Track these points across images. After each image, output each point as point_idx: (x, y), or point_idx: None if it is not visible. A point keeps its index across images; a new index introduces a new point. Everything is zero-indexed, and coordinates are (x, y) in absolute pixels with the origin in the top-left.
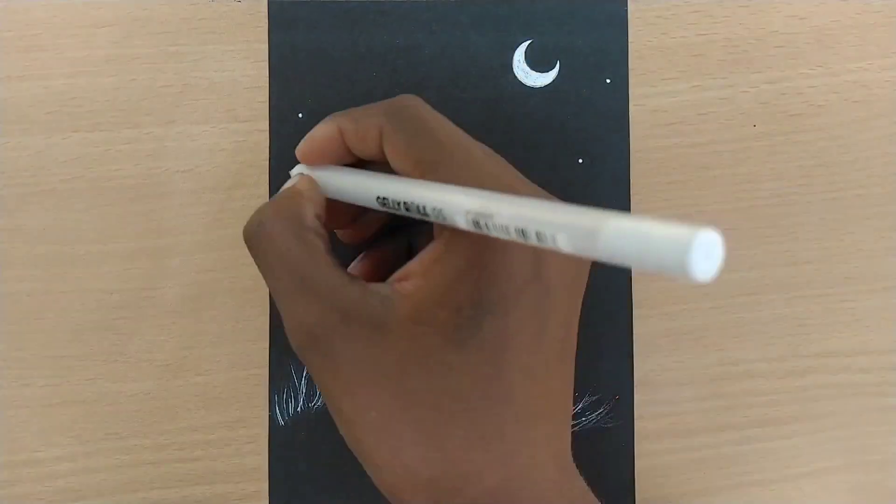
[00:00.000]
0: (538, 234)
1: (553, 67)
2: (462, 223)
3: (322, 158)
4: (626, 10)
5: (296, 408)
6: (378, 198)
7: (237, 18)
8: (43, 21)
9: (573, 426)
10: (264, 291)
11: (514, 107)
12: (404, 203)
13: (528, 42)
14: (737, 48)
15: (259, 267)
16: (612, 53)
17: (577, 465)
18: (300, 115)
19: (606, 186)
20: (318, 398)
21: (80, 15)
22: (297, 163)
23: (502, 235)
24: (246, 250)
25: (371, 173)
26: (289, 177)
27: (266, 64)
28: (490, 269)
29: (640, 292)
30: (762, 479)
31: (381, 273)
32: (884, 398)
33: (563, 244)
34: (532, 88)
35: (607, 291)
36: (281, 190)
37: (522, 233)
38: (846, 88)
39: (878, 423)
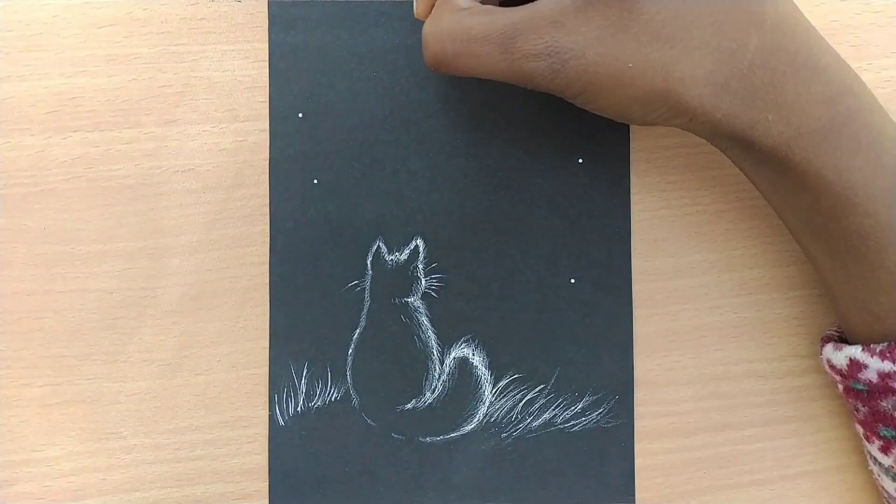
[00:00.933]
0: None
1: None
2: None
3: None
4: None
5: (296, 407)
6: None
7: (237, 18)
8: (43, 21)
9: (573, 426)
10: (264, 291)
11: (513, 106)
12: None
13: None
14: None
15: (463, 66)
16: None
17: (577, 465)
18: (300, 115)
19: (606, 186)
20: (318, 398)
21: (81, 15)
22: (296, 163)
23: None
24: (246, 249)
25: None
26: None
27: (266, 64)
28: None
29: (640, 292)
30: (761, 479)
31: None
32: None
33: None
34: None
35: (608, 291)
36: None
37: None
38: None
39: None
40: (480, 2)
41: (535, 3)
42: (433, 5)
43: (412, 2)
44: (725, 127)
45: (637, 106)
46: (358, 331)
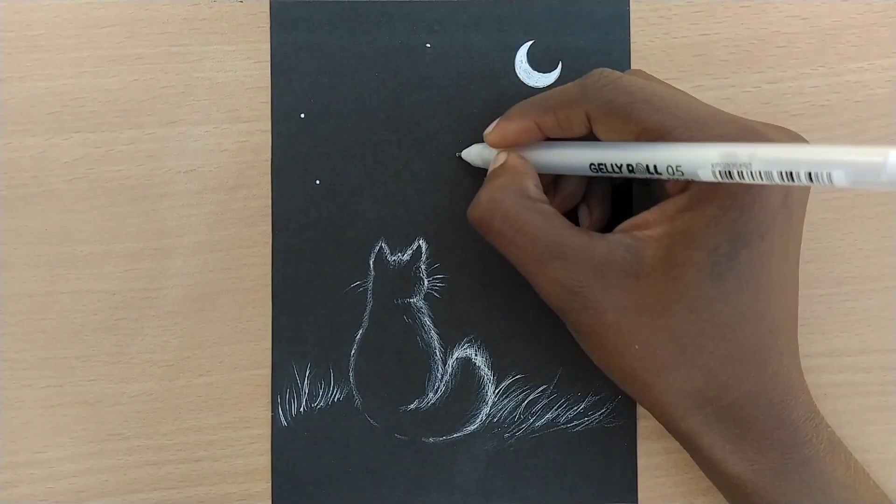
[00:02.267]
0: (811, 175)
1: (555, 68)
2: (706, 175)
3: (515, 146)
4: (628, 11)
5: (298, 408)
6: (592, 165)
7: (239, 18)
8: (45, 21)
9: (576, 426)
10: (266, 292)
11: None
12: (628, 166)
13: (530, 42)
14: (738, 48)
15: (497, 244)
16: (613, 54)
17: (580, 465)
18: (302, 116)
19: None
20: (321, 398)
21: (82, 15)
22: (298, 164)
23: (756, 180)
24: (248, 250)
25: (580, 143)
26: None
27: (268, 64)
28: (746, 206)
29: None
30: None
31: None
32: (885, 397)
33: (839, 180)
34: (534, 89)
35: None
36: (492, 168)
37: (790, 175)
38: (847, 88)
39: (880, 422)
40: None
41: (589, 237)
42: (509, 141)
43: (414, 2)
44: (686, 437)
45: (617, 376)
46: (360, 331)
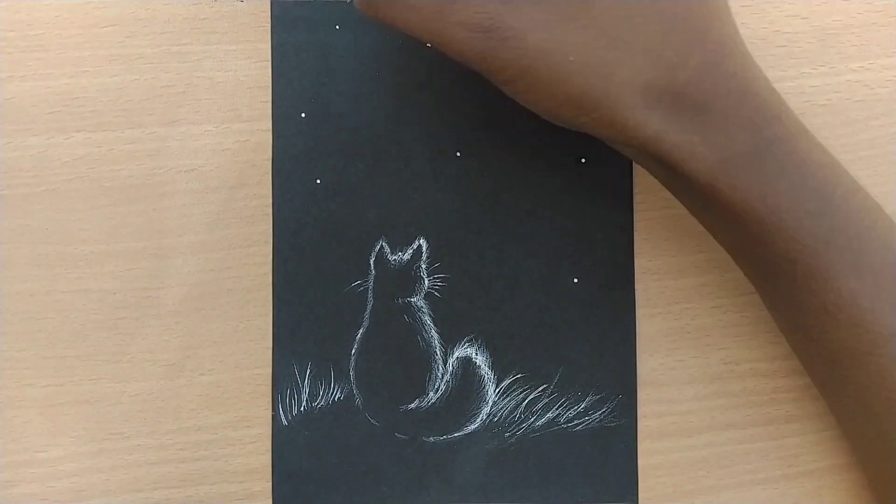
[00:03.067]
0: None
1: None
2: None
3: None
4: None
5: (299, 407)
6: None
7: (240, 18)
8: (45, 21)
9: (576, 425)
10: (267, 291)
11: (516, 106)
12: None
13: None
14: None
15: (393, 20)
16: None
17: (580, 464)
18: (303, 115)
19: (609, 185)
20: (321, 397)
21: (83, 15)
22: (299, 163)
23: None
24: (249, 249)
25: None
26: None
27: (269, 63)
28: None
29: (643, 291)
30: (765, 478)
31: None
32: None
33: None
34: None
35: (611, 291)
36: None
37: None
38: (848, 88)
39: None
40: None
41: None
42: None
43: None
44: (652, 146)
45: (569, 106)
46: (361, 331)
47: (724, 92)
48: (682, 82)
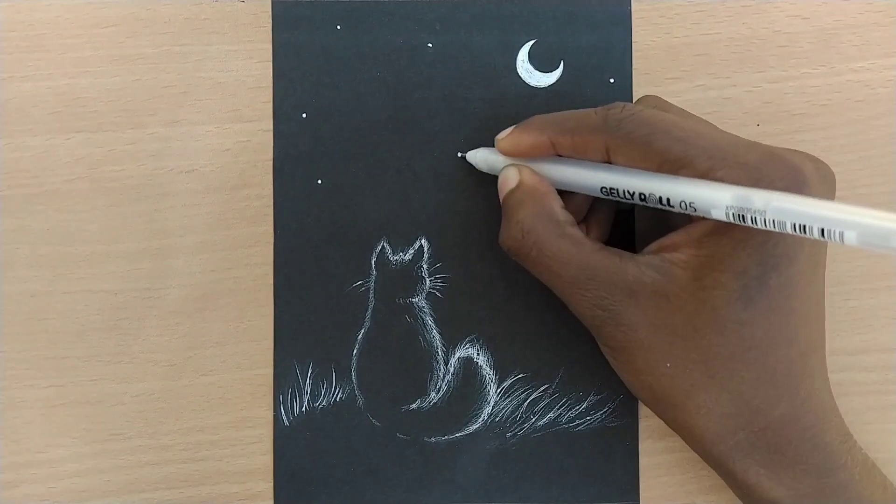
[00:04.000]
0: (823, 231)
1: (557, 67)
2: (719, 215)
3: (525, 158)
4: (630, 10)
5: (300, 408)
6: (603, 188)
7: (241, 18)
8: (46, 21)
9: (578, 425)
10: (268, 291)
11: (517, 107)
12: (640, 195)
13: (532, 42)
14: (740, 48)
15: (532, 269)
16: (615, 53)
17: (582, 464)
18: (304, 115)
19: None
20: (323, 398)
21: (84, 15)
22: (300, 163)
23: (769, 227)
24: (250, 249)
25: (594, 164)
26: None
27: (270, 64)
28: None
29: None
30: None
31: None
32: (887, 396)
33: (850, 240)
34: (536, 88)
35: None
36: (509, 188)
37: (803, 228)
38: (848, 88)
39: (882, 421)
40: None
41: (620, 258)
42: (520, 151)
43: (416, 2)
44: (718, 462)
45: (645, 395)
46: (362, 331)
47: (798, 442)
48: (761, 427)
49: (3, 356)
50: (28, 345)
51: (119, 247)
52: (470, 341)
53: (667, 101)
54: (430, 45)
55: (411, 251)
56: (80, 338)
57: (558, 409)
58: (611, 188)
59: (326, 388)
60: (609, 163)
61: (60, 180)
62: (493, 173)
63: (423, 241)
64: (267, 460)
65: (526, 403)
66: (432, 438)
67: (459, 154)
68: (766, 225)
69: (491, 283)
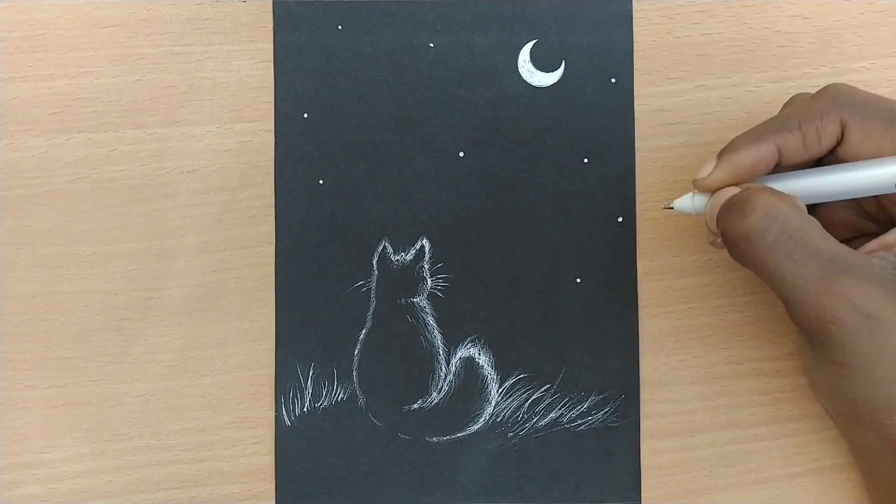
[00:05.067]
0: None
1: (558, 67)
2: None
3: (742, 182)
4: (631, 10)
5: (302, 408)
6: None
7: (242, 19)
8: (47, 22)
9: (579, 425)
10: (270, 291)
11: (519, 107)
12: None
13: (533, 42)
14: (741, 48)
15: (765, 260)
16: (616, 53)
17: (583, 464)
18: (305, 115)
19: (612, 186)
20: (325, 398)
21: (84, 15)
22: (301, 164)
23: None
24: (251, 250)
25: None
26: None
27: (271, 64)
28: None
29: (646, 291)
30: (767, 477)
31: None
32: None
33: None
34: (537, 88)
35: (614, 291)
36: (729, 202)
37: None
38: None
39: None
40: None
41: (864, 254)
42: (742, 173)
43: (417, 2)
44: None
45: (882, 404)
46: (364, 331)
47: None
48: None
49: (3, 356)
50: (29, 345)
51: (120, 247)
52: (471, 341)
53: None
54: (431, 45)
55: (413, 251)
56: (80, 338)
57: (560, 409)
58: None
59: (328, 389)
60: (834, 152)
61: (61, 181)
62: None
63: (424, 241)
64: (268, 460)
65: (527, 403)
66: (434, 438)
67: (667, 206)
68: None
69: (492, 283)
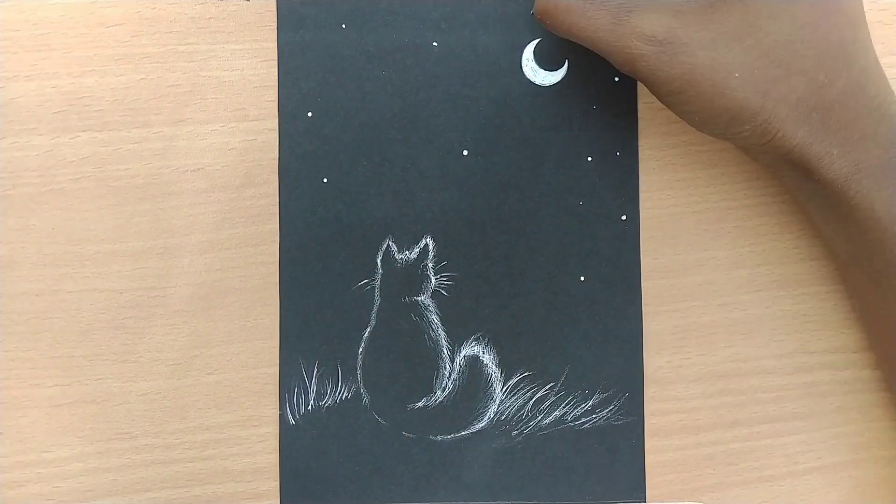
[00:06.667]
0: None
1: (561, 66)
2: None
3: None
4: None
5: (306, 406)
6: None
7: (246, 17)
8: (51, 20)
9: (583, 423)
10: (274, 290)
11: (522, 105)
12: None
13: (537, 41)
14: None
15: (567, 24)
16: None
17: (587, 462)
18: (309, 114)
19: (615, 184)
20: (329, 396)
21: (89, 14)
22: (306, 162)
23: None
24: (256, 248)
25: None
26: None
27: (275, 63)
28: None
29: (649, 289)
30: (771, 475)
31: None
32: (890, 394)
33: None
34: (541, 87)
35: (618, 289)
36: None
37: None
38: None
39: (885, 418)
40: None
41: None
42: None
43: (421, 1)
44: (795, 154)
45: (726, 117)
46: (368, 329)
47: (865, 112)
48: (830, 101)
49: (8, 355)
50: (33, 344)
51: (124, 246)
52: (475, 339)
53: None
54: (434, 43)
55: (417, 249)
56: (85, 337)
57: (564, 407)
58: None
59: (332, 387)
60: None
61: (66, 179)
62: None
63: (428, 240)
64: (273, 459)
65: (531, 402)
66: (438, 437)
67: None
68: None
69: (496, 282)
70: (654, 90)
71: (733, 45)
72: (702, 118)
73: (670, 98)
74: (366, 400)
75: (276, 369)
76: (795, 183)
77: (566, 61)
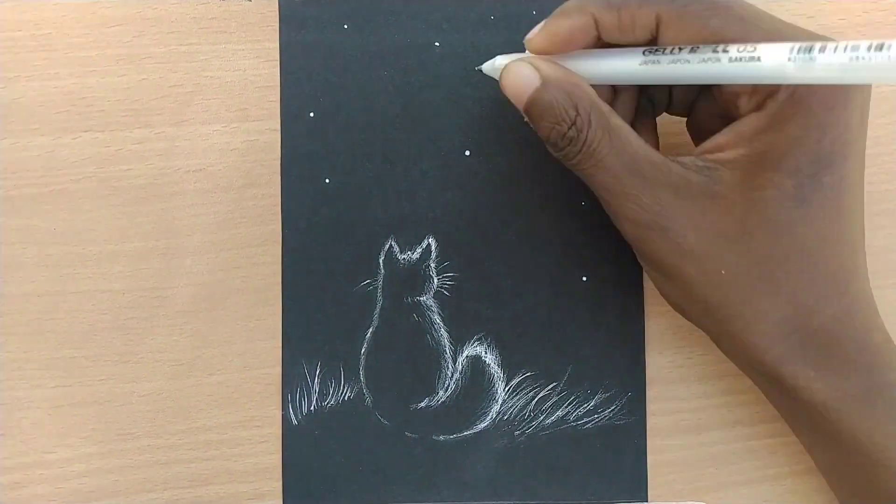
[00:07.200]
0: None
1: None
2: (781, 56)
3: (563, 50)
4: None
5: (309, 407)
6: (646, 51)
7: (248, 18)
8: (53, 21)
9: (586, 423)
10: (276, 290)
11: None
12: (691, 48)
13: None
14: None
15: (577, 167)
16: None
17: (590, 462)
18: (311, 115)
19: None
20: (331, 397)
21: (91, 14)
22: (308, 162)
23: (838, 55)
24: (258, 249)
25: (625, 50)
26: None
27: (277, 63)
28: (829, 126)
29: (652, 289)
30: (774, 475)
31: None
32: None
33: None
34: None
35: (620, 289)
36: (522, 83)
37: (879, 46)
38: None
39: None
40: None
41: (663, 157)
42: (559, 40)
43: (422, 1)
44: (769, 368)
45: (702, 311)
46: (370, 330)
47: (848, 342)
48: (815, 327)
49: (10, 356)
50: (35, 345)
51: (126, 246)
52: (478, 340)
53: None
54: (437, 43)
55: (419, 250)
56: (87, 338)
57: (566, 407)
58: (654, 49)
59: (335, 387)
60: (653, 43)
61: (67, 180)
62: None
63: (430, 240)
64: (275, 459)
65: (534, 402)
66: (440, 437)
67: (477, 68)
68: (835, 52)
69: (498, 282)
70: (636, 251)
71: (725, 243)
72: (679, 303)
73: (653, 274)
74: (368, 400)
75: (279, 370)
76: (775, 397)
77: None
